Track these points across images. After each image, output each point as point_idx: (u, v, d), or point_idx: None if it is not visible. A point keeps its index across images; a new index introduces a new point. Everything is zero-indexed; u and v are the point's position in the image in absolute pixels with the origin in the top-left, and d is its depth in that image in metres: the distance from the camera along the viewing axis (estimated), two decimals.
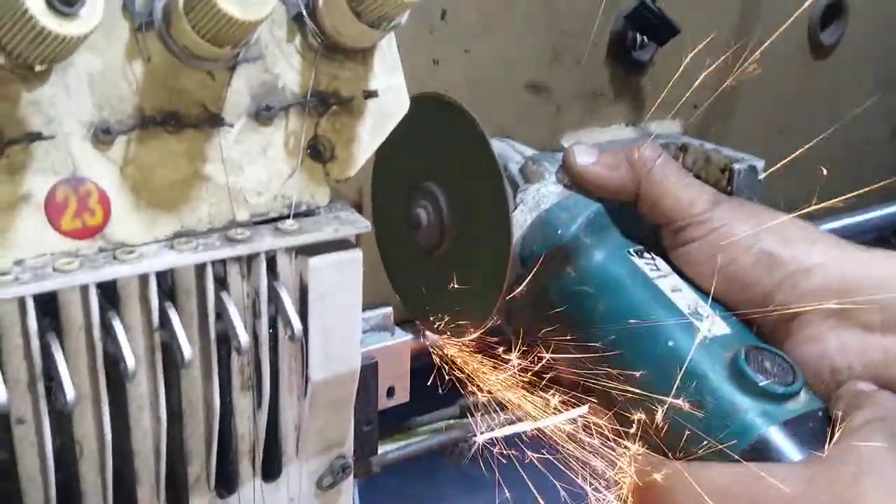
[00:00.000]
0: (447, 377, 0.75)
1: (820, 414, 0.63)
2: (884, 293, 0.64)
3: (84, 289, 0.50)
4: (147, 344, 0.53)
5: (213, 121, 0.54)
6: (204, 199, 0.54)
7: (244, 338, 0.52)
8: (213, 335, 0.54)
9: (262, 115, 0.56)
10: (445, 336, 0.75)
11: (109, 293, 0.52)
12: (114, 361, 0.51)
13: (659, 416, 0.64)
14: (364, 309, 0.74)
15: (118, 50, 0.51)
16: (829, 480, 0.54)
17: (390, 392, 0.73)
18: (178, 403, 0.55)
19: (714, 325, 0.67)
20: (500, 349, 0.74)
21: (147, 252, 0.52)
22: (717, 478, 0.57)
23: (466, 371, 0.75)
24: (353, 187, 0.85)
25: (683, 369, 0.64)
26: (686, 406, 0.63)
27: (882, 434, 0.55)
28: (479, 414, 0.79)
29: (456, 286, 0.75)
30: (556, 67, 0.98)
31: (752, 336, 0.68)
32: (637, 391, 0.66)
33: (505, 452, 0.73)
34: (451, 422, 0.90)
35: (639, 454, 0.63)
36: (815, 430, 0.61)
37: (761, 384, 0.62)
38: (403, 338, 0.74)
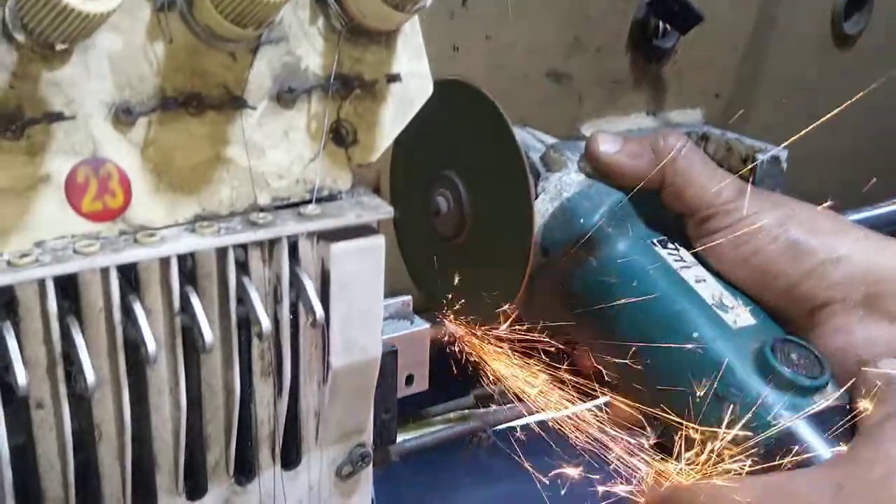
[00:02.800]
0: (464, 366, 0.75)
1: (847, 407, 0.62)
2: None
3: (104, 271, 0.49)
4: (167, 328, 0.52)
5: (234, 103, 0.53)
6: (225, 182, 0.54)
7: (266, 323, 0.52)
8: (234, 320, 0.53)
9: (285, 97, 0.55)
10: (464, 324, 0.75)
11: (130, 276, 0.51)
12: (134, 345, 0.51)
13: (680, 408, 0.63)
14: (384, 296, 0.74)
15: (139, 30, 0.50)
16: (859, 484, 0.53)
17: (409, 380, 0.73)
18: (198, 389, 0.55)
19: (739, 316, 0.67)
20: (520, 338, 0.73)
21: (168, 235, 0.51)
22: (742, 496, 0.56)
23: (484, 360, 0.74)
24: (372, 172, 0.84)
25: (709, 361, 0.64)
26: (713, 399, 0.62)
27: None
28: (496, 403, 0.79)
29: (476, 275, 0.74)
30: (577, 55, 0.97)
31: (778, 327, 0.67)
32: (659, 382, 0.66)
33: (521, 442, 0.73)
34: (467, 412, 0.89)
35: (657, 471, 0.62)
36: (842, 422, 0.61)
37: (788, 376, 0.61)
38: (422, 326, 0.74)
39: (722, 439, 0.61)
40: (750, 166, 0.91)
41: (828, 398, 0.62)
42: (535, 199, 0.73)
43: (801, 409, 0.61)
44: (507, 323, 0.73)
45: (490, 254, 0.74)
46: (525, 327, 0.73)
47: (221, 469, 0.58)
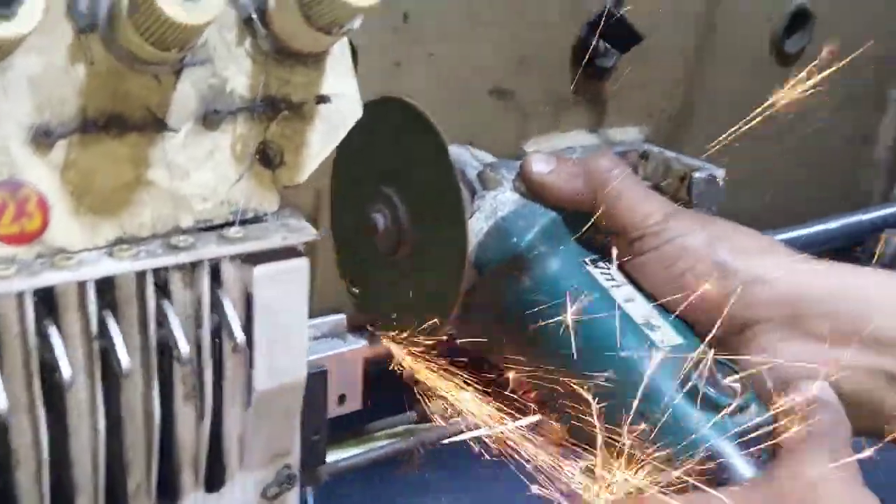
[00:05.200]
0: (405, 383, 0.75)
1: (770, 426, 0.63)
2: (833, 304, 0.65)
3: (20, 295, 0.49)
4: (86, 352, 0.52)
5: (157, 125, 0.53)
6: (147, 204, 0.53)
7: (185, 348, 0.51)
8: (153, 344, 0.53)
9: (210, 119, 0.55)
10: (400, 341, 0.75)
11: (47, 300, 0.51)
12: (51, 370, 0.50)
13: (609, 427, 0.64)
14: (316, 315, 0.74)
15: (60, 52, 0.50)
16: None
17: (342, 400, 0.73)
18: (118, 413, 0.54)
19: (666, 335, 0.67)
20: (455, 356, 0.74)
21: (86, 259, 0.51)
22: None
23: (422, 377, 0.75)
24: (311, 190, 0.85)
25: (635, 380, 0.64)
26: (637, 417, 0.63)
27: (823, 451, 0.56)
28: (435, 420, 0.79)
29: (412, 292, 0.75)
30: (521, 73, 0.97)
31: (704, 348, 0.68)
32: (589, 400, 0.66)
33: (461, 457, 0.73)
34: (410, 426, 0.90)
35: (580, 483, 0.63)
36: (764, 442, 0.62)
37: (712, 396, 0.62)
38: (356, 344, 0.74)
39: (646, 458, 0.61)
40: (687, 185, 0.92)
41: (751, 418, 0.63)
42: (471, 217, 0.73)
43: (725, 429, 0.61)
44: (444, 340, 0.74)
45: (426, 271, 0.74)
46: (461, 345, 0.74)
47: (143, 493, 0.57)
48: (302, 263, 0.56)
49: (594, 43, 0.95)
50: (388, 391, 0.77)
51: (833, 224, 1.22)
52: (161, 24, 0.48)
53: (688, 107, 1.10)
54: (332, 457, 0.74)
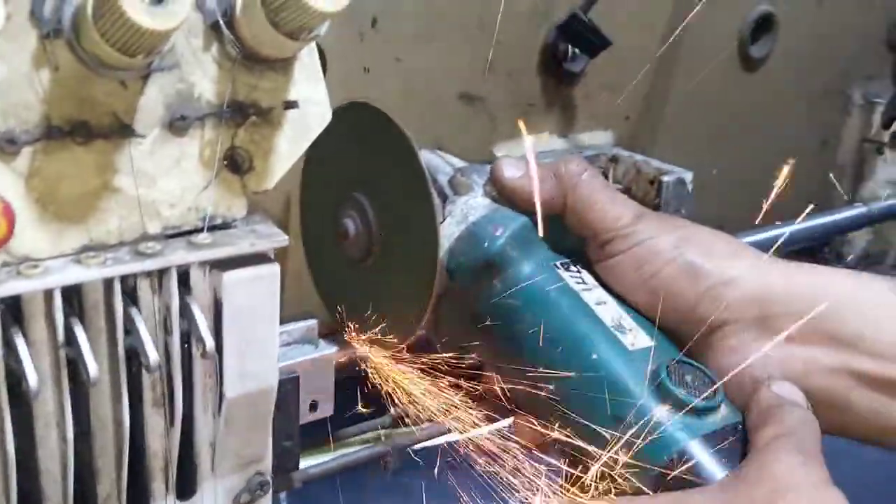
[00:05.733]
0: (376, 388, 0.75)
1: (740, 427, 0.63)
2: (803, 304, 0.65)
3: None
4: (53, 360, 0.51)
5: (124, 131, 0.53)
6: (114, 211, 0.53)
7: (153, 355, 0.51)
8: (121, 352, 0.52)
9: (177, 125, 0.54)
10: (372, 347, 0.75)
11: (13, 309, 0.50)
12: (18, 378, 0.50)
13: (580, 429, 0.64)
14: (288, 321, 0.73)
15: (24, 57, 0.50)
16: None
17: (313, 406, 0.72)
18: (87, 421, 0.54)
19: (637, 337, 0.68)
20: (428, 360, 0.74)
21: (53, 266, 0.50)
22: None
23: (394, 382, 0.75)
24: (281, 196, 0.84)
25: (606, 382, 0.65)
26: (608, 419, 0.63)
27: (791, 450, 0.56)
28: (408, 425, 0.79)
29: (383, 297, 0.75)
30: (489, 78, 0.98)
31: (674, 349, 0.68)
32: (560, 404, 0.66)
33: (435, 462, 0.73)
34: (382, 432, 0.89)
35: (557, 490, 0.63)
36: (736, 443, 0.62)
37: (682, 397, 0.62)
38: (328, 350, 0.73)
39: (617, 460, 0.62)
40: (656, 188, 0.93)
41: (721, 419, 0.63)
42: (442, 222, 0.73)
43: (695, 430, 0.62)
44: (416, 345, 0.74)
45: (397, 277, 0.74)
46: (433, 349, 0.74)
47: (113, 501, 0.57)
48: (272, 269, 0.56)
49: (562, 47, 0.96)
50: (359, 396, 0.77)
51: (799, 226, 1.23)
52: (127, 30, 0.48)
53: (656, 111, 1.11)
54: (305, 463, 0.74)
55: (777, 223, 1.12)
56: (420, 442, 0.83)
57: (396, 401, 0.74)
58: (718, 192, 1.06)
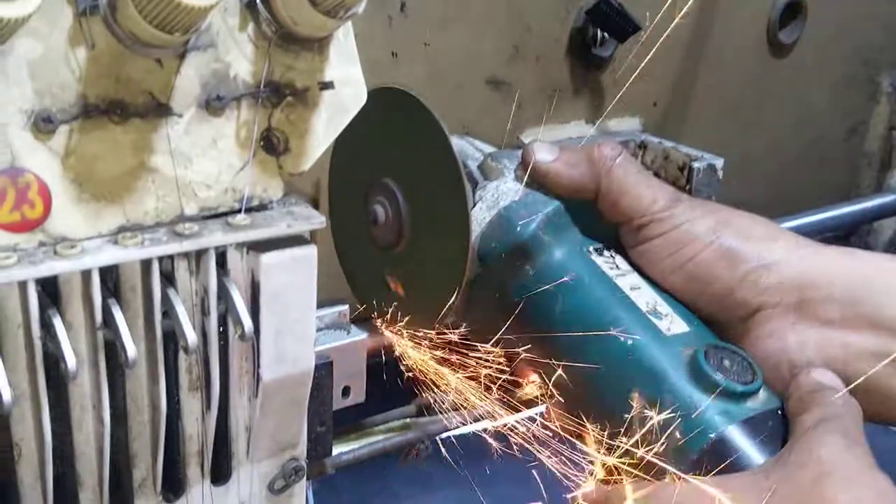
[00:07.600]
0: (404, 375, 0.74)
1: (779, 412, 0.63)
2: (841, 288, 0.64)
3: (22, 285, 0.48)
4: (90, 342, 0.51)
5: (160, 110, 0.52)
6: (150, 191, 0.52)
7: (192, 337, 0.50)
8: (159, 334, 0.52)
9: (213, 105, 0.54)
10: (403, 333, 0.74)
11: (50, 289, 0.50)
12: (55, 360, 0.49)
13: (615, 416, 0.64)
14: (319, 306, 0.73)
15: (61, 35, 0.49)
16: (791, 488, 0.54)
17: (346, 392, 0.72)
18: (123, 404, 0.53)
19: (673, 323, 0.67)
20: (459, 347, 0.73)
21: (90, 247, 0.50)
22: (675, 499, 0.56)
23: (423, 369, 0.74)
24: (310, 180, 0.84)
25: (643, 368, 0.64)
26: (646, 405, 0.62)
27: (836, 435, 0.55)
28: (437, 412, 0.78)
29: (414, 283, 0.74)
30: (516, 63, 0.97)
31: (711, 334, 0.67)
32: (594, 391, 0.66)
33: (461, 451, 0.72)
34: (409, 420, 0.89)
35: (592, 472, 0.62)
36: (775, 428, 0.61)
37: (721, 382, 0.62)
38: (359, 336, 0.73)
39: (655, 444, 0.61)
40: (686, 174, 0.92)
41: (760, 403, 0.62)
42: (473, 207, 0.72)
43: (734, 415, 0.61)
44: (446, 332, 0.73)
45: (428, 263, 0.73)
46: (464, 336, 0.73)
47: (148, 486, 0.56)
48: (310, 251, 0.55)
49: (591, 32, 0.95)
50: (389, 383, 0.76)
51: (826, 214, 1.22)
52: (165, 6, 0.47)
53: (684, 97, 1.10)
54: (334, 450, 0.73)
55: (803, 211, 1.11)
56: (448, 431, 0.82)
57: (426, 388, 0.74)
58: (746, 179, 1.05)
